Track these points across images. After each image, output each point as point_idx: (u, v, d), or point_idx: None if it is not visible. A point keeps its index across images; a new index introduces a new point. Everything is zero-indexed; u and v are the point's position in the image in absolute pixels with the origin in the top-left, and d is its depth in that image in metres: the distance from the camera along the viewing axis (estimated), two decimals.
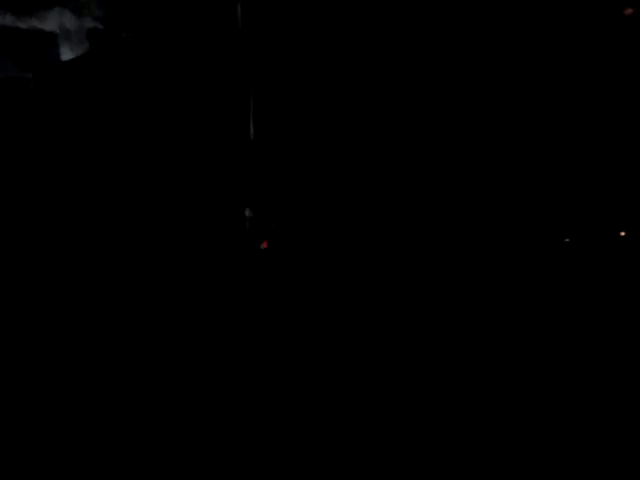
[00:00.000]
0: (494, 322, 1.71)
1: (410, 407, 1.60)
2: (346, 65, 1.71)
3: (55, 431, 1.47)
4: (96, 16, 1.71)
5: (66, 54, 1.73)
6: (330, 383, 1.66)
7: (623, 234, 1.43)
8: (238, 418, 1.57)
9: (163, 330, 1.74)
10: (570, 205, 1.59)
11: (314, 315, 1.77)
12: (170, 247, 1.72)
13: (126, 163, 1.73)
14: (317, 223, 1.78)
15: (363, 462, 1.46)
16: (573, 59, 1.63)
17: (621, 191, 1.54)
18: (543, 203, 1.62)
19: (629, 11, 1.47)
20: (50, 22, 1.70)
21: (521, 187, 1.64)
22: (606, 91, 1.61)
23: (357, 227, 1.74)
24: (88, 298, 1.69)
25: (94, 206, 1.69)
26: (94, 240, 1.69)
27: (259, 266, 1.72)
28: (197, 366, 1.72)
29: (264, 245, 1.74)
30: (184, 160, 1.73)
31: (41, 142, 1.72)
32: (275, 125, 1.77)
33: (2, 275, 1.71)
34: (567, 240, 1.51)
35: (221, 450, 1.51)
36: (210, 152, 1.74)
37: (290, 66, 1.72)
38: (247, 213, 1.85)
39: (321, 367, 1.73)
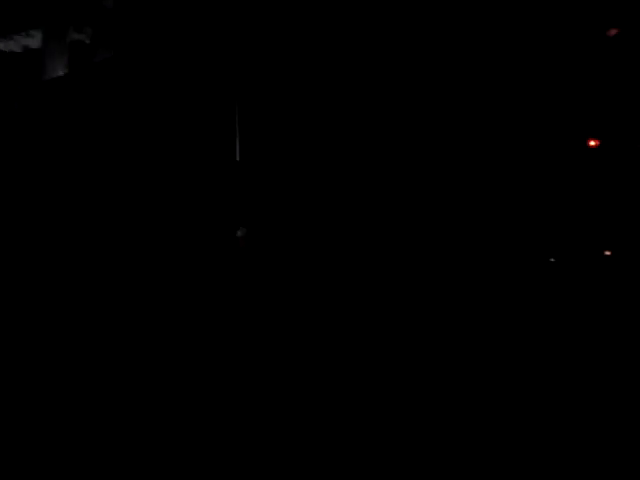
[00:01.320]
0: (490, 325, 1.73)
1: (407, 404, 1.61)
2: (336, 89, 1.70)
3: (55, 428, 1.46)
4: (80, 36, 1.68)
5: (49, 73, 1.70)
6: (325, 379, 1.67)
7: (608, 253, 1.46)
8: (236, 413, 1.58)
9: (163, 329, 1.73)
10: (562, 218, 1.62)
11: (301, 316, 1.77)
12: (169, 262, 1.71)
13: (113, 180, 1.71)
14: (302, 235, 1.78)
15: (362, 460, 1.48)
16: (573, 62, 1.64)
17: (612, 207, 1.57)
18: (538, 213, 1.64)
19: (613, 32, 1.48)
20: (33, 42, 1.67)
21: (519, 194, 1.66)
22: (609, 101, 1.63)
23: (345, 243, 1.75)
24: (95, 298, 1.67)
25: (96, 221, 1.67)
26: (102, 247, 1.68)
27: (248, 277, 1.72)
28: (197, 360, 1.71)
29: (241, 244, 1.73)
30: (174, 178, 1.72)
31: (26, 160, 1.69)
32: (261, 146, 1.76)
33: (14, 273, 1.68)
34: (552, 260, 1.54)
35: (218, 447, 1.52)
36: (199, 173, 1.73)
37: (277, 88, 1.72)
38: (239, 233, 1.84)
39: (316, 363, 1.73)
